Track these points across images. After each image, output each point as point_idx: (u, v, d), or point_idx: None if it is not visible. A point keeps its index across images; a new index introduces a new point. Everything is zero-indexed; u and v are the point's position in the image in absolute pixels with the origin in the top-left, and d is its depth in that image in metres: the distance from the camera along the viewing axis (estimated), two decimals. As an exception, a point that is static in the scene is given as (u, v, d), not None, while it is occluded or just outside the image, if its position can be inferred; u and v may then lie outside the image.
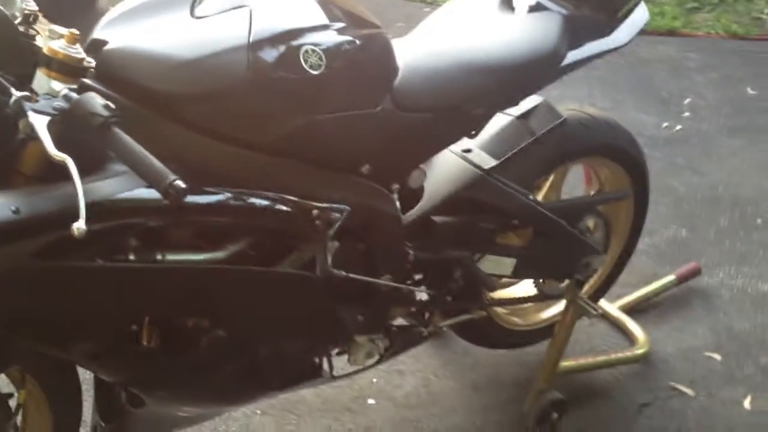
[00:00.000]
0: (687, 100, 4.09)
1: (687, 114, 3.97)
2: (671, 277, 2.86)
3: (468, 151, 2.04)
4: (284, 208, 1.61)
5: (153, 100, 1.47)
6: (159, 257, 1.50)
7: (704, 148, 3.74)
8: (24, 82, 1.39)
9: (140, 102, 1.46)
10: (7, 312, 1.39)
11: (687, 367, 2.60)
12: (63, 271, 1.39)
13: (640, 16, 2.08)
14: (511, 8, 2.07)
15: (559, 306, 2.46)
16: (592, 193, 2.45)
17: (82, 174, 1.29)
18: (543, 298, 2.31)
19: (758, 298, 2.89)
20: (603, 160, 2.31)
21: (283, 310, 1.71)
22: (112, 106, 1.31)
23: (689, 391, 2.50)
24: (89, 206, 1.27)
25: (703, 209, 3.30)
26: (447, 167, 2.01)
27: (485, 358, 2.58)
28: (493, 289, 2.15)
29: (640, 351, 2.57)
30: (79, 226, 1.24)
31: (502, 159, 2.04)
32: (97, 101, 1.31)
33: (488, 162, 2.03)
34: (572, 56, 1.97)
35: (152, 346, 1.56)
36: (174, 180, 1.27)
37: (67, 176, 1.29)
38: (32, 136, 1.35)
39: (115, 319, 1.52)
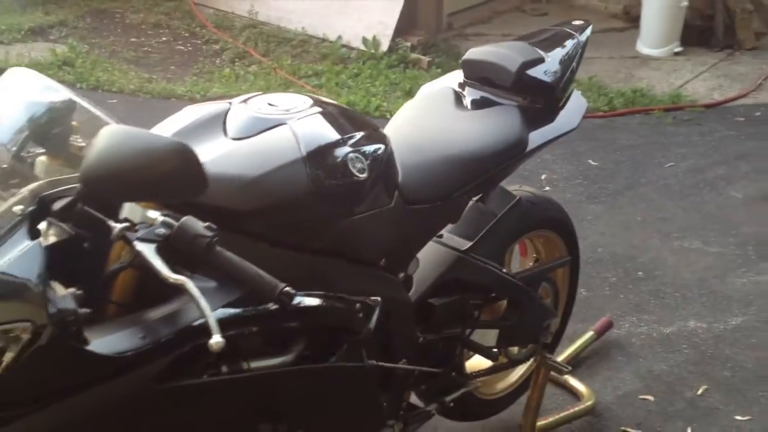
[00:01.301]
0: (543, 176, 4.48)
1: (548, 188, 4.34)
2: (590, 333, 3.13)
3: (440, 236, 2.21)
4: (338, 305, 1.70)
5: (223, 217, 1.54)
6: (245, 366, 1.55)
7: (574, 216, 4.08)
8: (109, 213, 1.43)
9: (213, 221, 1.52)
10: None
11: (629, 412, 2.85)
12: (177, 390, 1.42)
13: (577, 101, 2.37)
14: (464, 105, 2.29)
15: (518, 371, 2.65)
16: (530, 264, 2.68)
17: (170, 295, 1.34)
18: (513, 364, 2.49)
19: (664, 340, 3.22)
20: (546, 231, 2.55)
21: (339, 402, 1.78)
22: (213, 226, 1.38)
23: (639, 433, 2.75)
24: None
25: (593, 269, 3.62)
26: (428, 254, 2.16)
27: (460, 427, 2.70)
28: (495, 359, 2.30)
29: (589, 403, 2.80)
30: (217, 340, 1.29)
31: (475, 240, 2.23)
32: (198, 224, 1.37)
33: (463, 244, 2.21)
34: (532, 143, 2.21)
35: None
36: (284, 287, 1.35)
37: (149, 302, 1.35)
38: (130, 264, 1.39)
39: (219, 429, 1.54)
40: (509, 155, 2.16)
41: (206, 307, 1.31)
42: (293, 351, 1.66)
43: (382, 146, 1.81)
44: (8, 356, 1.25)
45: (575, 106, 2.35)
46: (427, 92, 2.38)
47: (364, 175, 1.72)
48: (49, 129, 1.57)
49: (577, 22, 2.49)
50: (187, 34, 6.98)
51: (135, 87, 5.72)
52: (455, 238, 2.23)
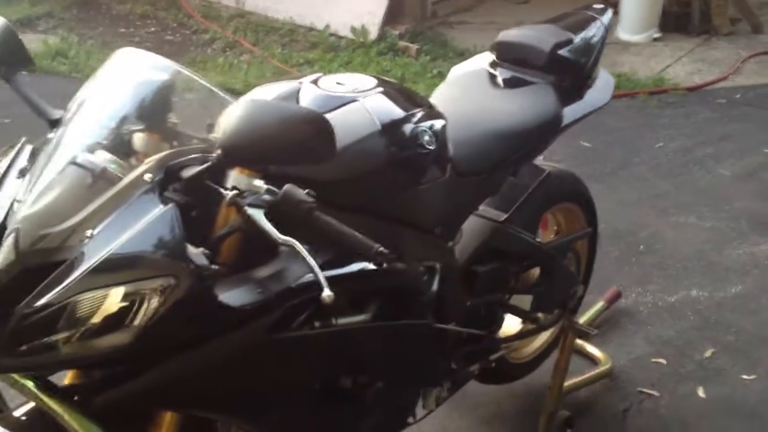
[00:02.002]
0: (541, 157, 4.63)
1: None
2: (601, 303, 3.30)
3: (477, 209, 2.35)
4: (409, 268, 1.84)
5: (311, 187, 1.65)
6: (334, 322, 1.69)
7: (573, 195, 4.29)
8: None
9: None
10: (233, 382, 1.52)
11: (643, 374, 3.02)
12: (284, 341, 1.55)
13: (606, 79, 2.52)
14: (498, 84, 2.43)
15: (541, 338, 2.81)
16: (552, 236, 2.83)
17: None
18: (543, 329, 2.64)
19: (669, 308, 3.40)
20: (569, 204, 2.71)
21: (406, 357, 1.92)
22: (313, 193, 1.50)
23: (654, 392, 2.92)
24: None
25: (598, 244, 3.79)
26: (468, 225, 2.30)
27: (483, 397, 2.85)
28: (536, 321, 2.45)
29: (607, 366, 2.96)
30: (328, 293, 1.42)
31: (510, 212, 2.37)
32: (299, 191, 1.48)
33: (500, 216, 2.35)
34: (566, 118, 2.36)
35: (329, 403, 1.73)
36: (380, 247, 1.49)
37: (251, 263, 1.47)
38: (239, 228, 1.51)
39: (307, 380, 1.67)
40: (547, 130, 2.31)
41: (315, 265, 1.43)
42: (370, 310, 1.79)
43: (443, 121, 1.95)
44: (149, 309, 1.37)
45: (603, 84, 2.50)
46: (459, 73, 2.52)
47: (431, 147, 1.85)
48: (153, 105, 1.67)
49: (597, 6, 2.64)
50: (175, 25, 7.06)
51: (131, 77, 5.77)
52: (491, 210, 2.36)
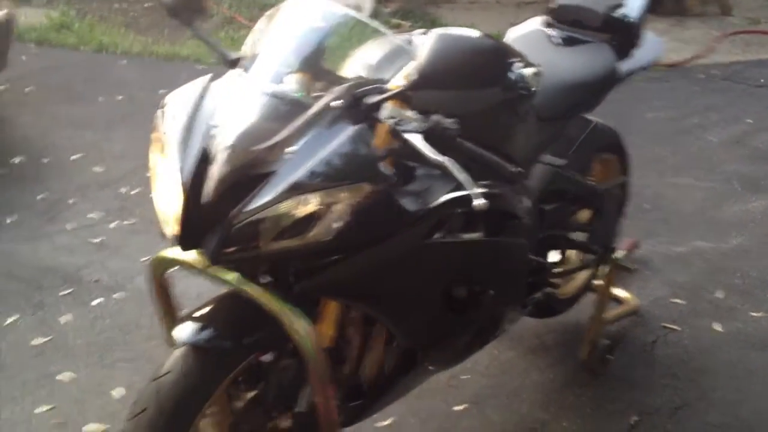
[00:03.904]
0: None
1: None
2: (621, 252, 3.60)
3: (545, 152, 2.63)
4: (512, 194, 2.12)
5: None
6: (463, 236, 1.96)
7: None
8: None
9: None
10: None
11: (664, 312, 3.35)
12: (431, 246, 1.82)
13: (653, 39, 2.83)
14: (556, 43, 2.72)
15: (582, 275, 3.10)
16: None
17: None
18: (592, 264, 2.93)
19: (679, 257, 3.74)
20: (608, 154, 3.01)
21: (508, 272, 2.20)
22: (457, 122, 1.75)
23: (677, 327, 3.24)
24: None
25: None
26: (534, 168, 2.58)
27: (525, 331, 3.15)
28: (596, 253, 2.75)
29: (634, 304, 3.28)
30: (481, 201, 1.68)
31: (567, 157, 2.66)
32: (446, 120, 1.73)
33: (559, 161, 2.64)
34: (621, 73, 2.65)
35: (453, 309, 2.00)
36: (514, 168, 1.76)
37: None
38: (394, 150, 1.77)
39: (437, 286, 1.94)
40: (605, 83, 2.61)
41: (467, 180, 1.69)
42: (481, 229, 2.06)
43: (540, 66, 2.22)
44: (345, 211, 1.62)
45: (651, 42, 2.81)
46: (516, 35, 2.79)
47: (534, 89, 2.12)
48: (318, 47, 1.91)
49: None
50: (170, 1, 7.20)
51: (139, 49, 5.95)
52: (549, 157, 2.65)
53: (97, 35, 6.12)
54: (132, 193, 4.17)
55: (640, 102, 5.43)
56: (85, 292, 3.37)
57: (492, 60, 1.68)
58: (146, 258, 3.59)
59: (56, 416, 2.70)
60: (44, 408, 2.73)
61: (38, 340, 3.08)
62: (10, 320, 3.18)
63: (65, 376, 2.89)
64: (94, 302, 3.31)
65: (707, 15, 7.33)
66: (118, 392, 2.81)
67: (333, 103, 1.72)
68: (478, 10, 7.22)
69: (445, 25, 5.63)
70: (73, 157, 4.49)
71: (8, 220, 3.91)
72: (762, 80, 5.98)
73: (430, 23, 6.86)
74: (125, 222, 3.91)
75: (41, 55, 5.78)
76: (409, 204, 1.75)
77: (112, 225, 3.88)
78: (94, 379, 2.88)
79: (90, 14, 6.70)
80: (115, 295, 3.36)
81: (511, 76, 2.04)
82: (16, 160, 4.51)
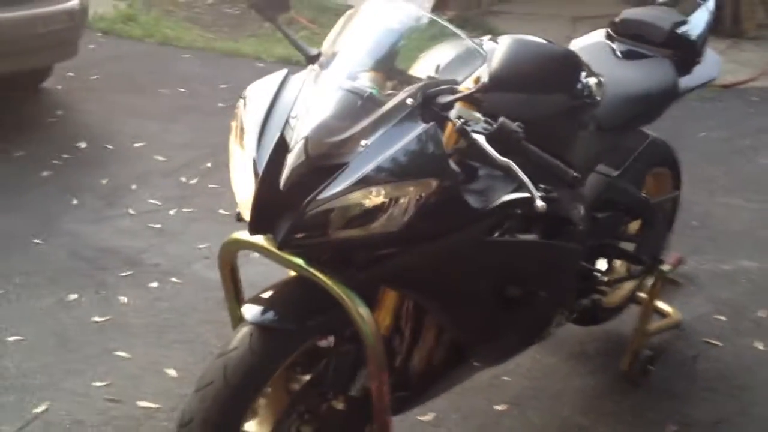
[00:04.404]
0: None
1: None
2: (667, 267, 3.65)
3: (601, 162, 2.69)
4: (569, 200, 2.20)
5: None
6: (519, 237, 2.04)
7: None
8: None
9: None
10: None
11: (707, 328, 3.39)
12: (492, 244, 1.91)
13: (713, 57, 2.89)
14: (618, 56, 2.79)
15: (628, 286, 3.16)
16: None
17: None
18: (640, 275, 2.99)
19: (725, 275, 3.77)
20: (662, 168, 3.07)
21: (559, 275, 2.28)
22: (522, 126, 1.83)
23: (719, 343, 3.28)
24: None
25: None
26: (588, 178, 2.65)
27: (567, 338, 3.21)
28: (643, 264, 2.81)
29: (677, 317, 3.33)
30: (542, 203, 1.77)
31: (622, 169, 2.73)
32: (512, 124, 1.81)
33: (613, 172, 2.71)
34: (682, 88, 2.72)
35: (505, 308, 2.08)
36: (574, 174, 1.84)
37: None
38: (460, 150, 1.86)
39: (491, 283, 2.03)
40: (665, 98, 2.68)
41: (529, 182, 1.78)
42: (536, 232, 2.14)
43: (602, 77, 2.30)
44: (412, 204, 1.72)
45: (711, 60, 2.87)
46: (581, 45, 2.87)
47: (598, 98, 2.21)
48: (392, 48, 2.01)
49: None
50: (231, -1, 7.40)
51: (202, 44, 6.12)
52: (604, 167, 2.72)
53: (162, 28, 6.29)
54: (191, 182, 4.31)
55: (694, 121, 5.45)
56: (144, 275, 3.51)
57: (562, 67, 1.77)
58: (204, 245, 3.73)
59: (112, 391, 2.83)
60: (102, 383, 2.86)
61: (99, 318, 3.22)
62: (73, 297, 3.33)
63: (123, 354, 3.02)
64: (153, 285, 3.45)
65: (763, 38, 7.32)
66: (172, 372, 2.94)
67: (407, 101, 1.81)
68: (535, 21, 7.28)
69: (502, 35, 5.63)
70: (136, 145, 4.65)
71: (74, 201, 4.07)
72: (816, 105, 5.97)
73: (487, 32, 6.91)
74: (184, 209, 4.04)
75: (108, 44, 5.97)
76: (472, 201, 1.84)
77: (171, 212, 4.01)
78: (150, 358, 3.01)
79: (156, 7, 6.89)
80: (172, 279, 3.49)
81: (578, 85, 2.13)
82: (81, 145, 4.68)
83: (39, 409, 2.71)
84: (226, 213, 3.98)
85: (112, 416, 2.72)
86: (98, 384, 2.86)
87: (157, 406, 2.77)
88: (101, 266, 3.54)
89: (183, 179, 4.33)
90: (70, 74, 5.42)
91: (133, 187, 4.22)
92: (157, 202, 4.09)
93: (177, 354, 3.04)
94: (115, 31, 6.11)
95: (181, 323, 3.22)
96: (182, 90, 5.41)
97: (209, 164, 4.49)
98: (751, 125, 5.50)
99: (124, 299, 3.34)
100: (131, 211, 4.00)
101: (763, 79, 6.44)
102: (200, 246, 3.73)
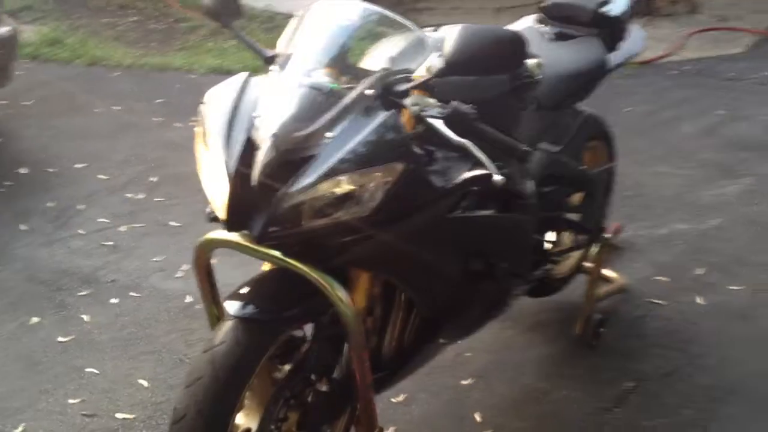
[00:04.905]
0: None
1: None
2: (606, 236, 3.84)
3: (543, 139, 2.83)
4: (519, 176, 2.35)
5: None
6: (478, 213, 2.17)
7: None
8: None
9: None
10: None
11: (650, 289, 3.57)
12: (452, 220, 2.04)
13: (637, 32, 3.07)
14: (548, 38, 2.94)
15: (575, 255, 3.32)
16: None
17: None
18: (585, 244, 3.15)
19: (662, 239, 3.98)
20: (597, 141, 3.24)
21: (517, 246, 2.41)
22: (474, 108, 1.96)
23: (662, 302, 3.47)
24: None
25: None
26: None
27: (522, 311, 3.35)
28: (590, 233, 2.97)
29: (622, 282, 3.51)
30: (499, 178, 1.91)
31: (563, 145, 2.88)
32: (465, 107, 1.94)
33: (554, 148, 2.85)
34: (611, 64, 2.89)
35: (470, 281, 2.21)
36: (524, 147, 1.98)
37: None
38: (417, 134, 1.98)
39: (455, 258, 2.15)
40: (597, 74, 2.85)
41: (486, 159, 1.91)
42: (492, 206, 2.28)
43: (541, 59, 2.45)
44: (381, 188, 1.83)
45: (636, 36, 3.05)
46: (514, 31, 3.02)
47: (539, 77, 2.35)
48: (344, 44, 2.11)
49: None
50: (156, 14, 7.39)
51: (131, 61, 6.13)
52: (546, 144, 2.86)
53: (89, 49, 6.28)
54: (138, 197, 4.35)
55: (618, 97, 5.67)
56: (103, 292, 3.55)
57: (511, 47, 1.90)
58: (159, 258, 3.78)
59: (88, 407, 2.88)
60: (76, 400, 2.90)
61: (64, 338, 3.25)
62: (35, 320, 3.36)
63: (93, 370, 3.06)
64: (113, 301, 3.49)
65: (677, 14, 7.61)
66: (144, 383, 2.99)
67: (366, 92, 1.92)
68: (459, 15, 7.45)
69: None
70: (78, 166, 4.66)
71: (22, 227, 4.07)
72: (731, 74, 6.25)
73: (412, 28, 7.07)
74: (135, 225, 4.08)
75: (37, 69, 5.94)
76: (435, 181, 1.96)
77: (122, 228, 4.05)
78: (120, 372, 3.06)
79: (81, 29, 6.86)
80: (132, 294, 3.54)
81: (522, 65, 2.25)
82: (23, 170, 4.67)
83: (17, 431, 2.75)
84: (178, 224, 4.04)
85: (91, 430, 2.78)
86: (72, 401, 2.90)
87: (133, 416, 2.83)
88: (59, 287, 3.57)
89: (129, 195, 4.36)
90: (3, 102, 5.39)
91: (81, 207, 4.24)
92: (107, 220, 4.12)
93: (146, 365, 3.09)
94: (42, 55, 6.08)
95: (146, 335, 3.27)
96: (117, 108, 5.42)
97: (154, 179, 4.53)
98: (672, 97, 5.76)
99: (86, 317, 3.38)
100: (82, 231, 4.02)
101: (679, 53, 6.72)
102: (155, 259, 3.78)
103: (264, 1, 7.25)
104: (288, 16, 7.02)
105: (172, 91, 5.46)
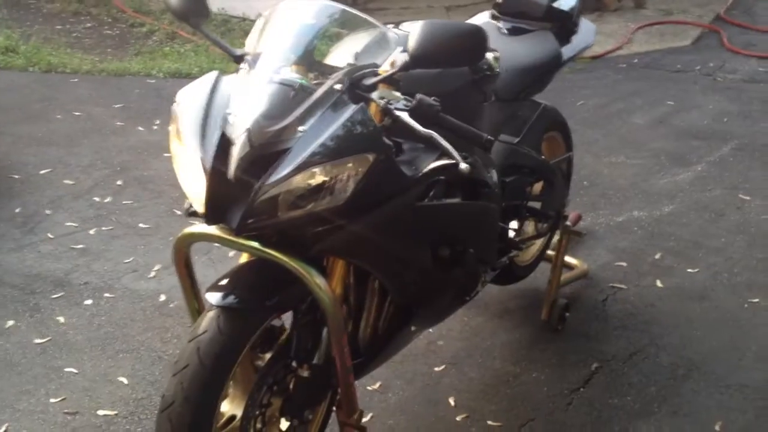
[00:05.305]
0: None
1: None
2: (567, 223, 3.97)
3: (502, 131, 2.95)
4: (484, 166, 2.45)
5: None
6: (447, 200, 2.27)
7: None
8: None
9: None
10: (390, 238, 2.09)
11: (611, 274, 3.72)
12: (421, 208, 2.13)
13: (588, 25, 3.20)
14: (503, 33, 3.06)
15: (538, 243, 3.45)
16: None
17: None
18: (548, 231, 3.28)
19: (619, 226, 4.13)
20: (554, 132, 3.36)
21: (484, 233, 2.51)
22: (438, 100, 2.06)
23: (623, 286, 3.62)
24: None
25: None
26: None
27: (489, 299, 3.48)
28: (548, 220, 3.08)
29: (584, 268, 3.64)
30: (465, 166, 2.01)
31: (521, 136, 3.00)
32: (429, 99, 2.04)
33: (514, 139, 2.97)
34: (564, 56, 3.01)
35: (440, 267, 2.31)
36: (488, 136, 2.08)
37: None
38: (388, 126, 2.07)
39: (424, 245, 2.25)
40: (552, 66, 2.97)
41: (452, 149, 2.01)
42: (458, 195, 2.38)
43: (498, 52, 2.56)
44: (354, 179, 1.91)
45: (587, 29, 3.18)
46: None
47: (497, 71, 2.46)
48: (310, 41, 2.18)
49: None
50: (110, 20, 7.38)
51: (89, 67, 6.12)
52: (506, 136, 2.98)
53: (44, 56, 6.25)
54: (105, 201, 4.37)
55: (570, 92, 5.84)
56: (76, 294, 3.58)
57: (473, 40, 1.99)
58: (129, 259, 3.82)
59: (69, 405, 2.92)
60: (57, 399, 2.94)
61: (40, 339, 3.28)
62: (10, 323, 3.38)
63: (72, 369, 3.10)
64: (87, 302, 3.52)
65: (623, 9, 7.83)
66: (123, 380, 3.04)
67: (335, 86, 2.00)
68: (410, 14, 7.56)
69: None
70: (42, 172, 4.66)
71: (-11, 234, 4.08)
72: (678, 66, 6.46)
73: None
74: (103, 228, 4.11)
75: (-6, 78, 5.92)
76: (404, 171, 2.05)
77: (91, 231, 4.08)
78: (98, 370, 3.10)
79: (34, 36, 6.82)
80: (106, 295, 3.57)
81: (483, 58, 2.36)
82: (-15, 178, 4.66)
83: (0, 432, 2.79)
84: (147, 226, 4.08)
85: (74, 428, 2.82)
86: (54, 400, 2.94)
87: (115, 412, 2.88)
88: (32, 291, 3.59)
89: (96, 199, 4.38)
90: (-40, 112, 5.37)
91: (48, 212, 4.25)
92: (75, 224, 4.14)
93: (124, 363, 3.14)
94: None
95: (123, 334, 3.31)
96: (78, 113, 5.42)
97: (119, 182, 4.55)
98: (622, 90, 5.93)
99: (61, 319, 3.41)
100: (50, 236, 4.04)
101: (628, 47, 6.91)
102: (126, 260, 3.82)
103: (217, 4, 7.26)
104: (242, 20, 7.17)
105: (131, 95, 5.47)
